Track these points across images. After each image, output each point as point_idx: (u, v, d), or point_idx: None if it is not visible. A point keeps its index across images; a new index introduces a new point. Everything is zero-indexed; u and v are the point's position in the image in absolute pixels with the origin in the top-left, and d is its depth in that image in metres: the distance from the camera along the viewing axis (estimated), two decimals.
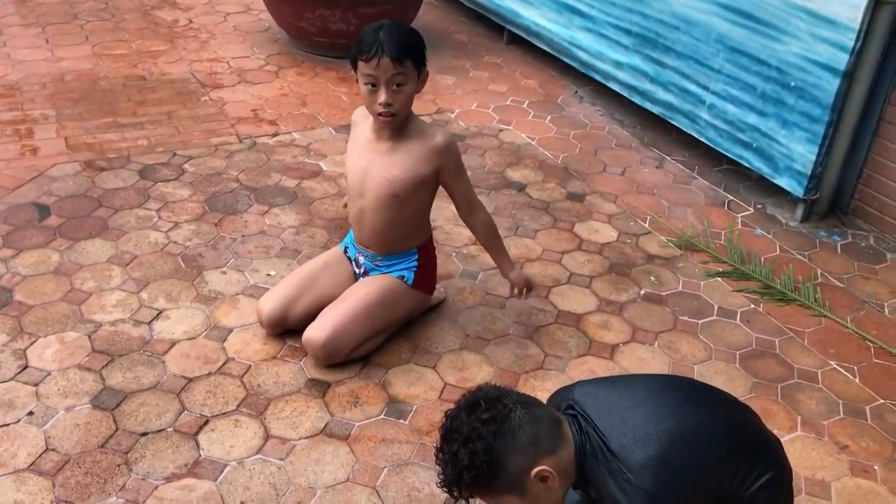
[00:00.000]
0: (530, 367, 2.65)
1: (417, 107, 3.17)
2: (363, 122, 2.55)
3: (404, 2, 4.89)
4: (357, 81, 2.39)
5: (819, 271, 3.25)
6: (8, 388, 2.40)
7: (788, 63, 3.40)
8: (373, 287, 2.59)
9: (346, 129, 2.70)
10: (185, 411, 2.37)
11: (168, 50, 4.87)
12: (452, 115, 4.35)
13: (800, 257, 3.34)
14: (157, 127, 3.96)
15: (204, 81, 4.49)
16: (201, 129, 3.98)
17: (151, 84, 4.41)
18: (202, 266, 3.00)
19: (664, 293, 3.06)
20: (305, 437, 2.31)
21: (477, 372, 2.60)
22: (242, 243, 3.14)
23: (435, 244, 2.82)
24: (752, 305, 3.02)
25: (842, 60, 3.20)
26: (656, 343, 2.80)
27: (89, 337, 2.62)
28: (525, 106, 4.53)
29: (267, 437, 2.30)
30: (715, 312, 2.97)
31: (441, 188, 2.60)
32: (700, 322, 2.91)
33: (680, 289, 3.09)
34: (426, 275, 2.68)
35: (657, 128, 4.29)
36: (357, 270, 2.72)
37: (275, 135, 3.99)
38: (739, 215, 3.62)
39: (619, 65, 4.32)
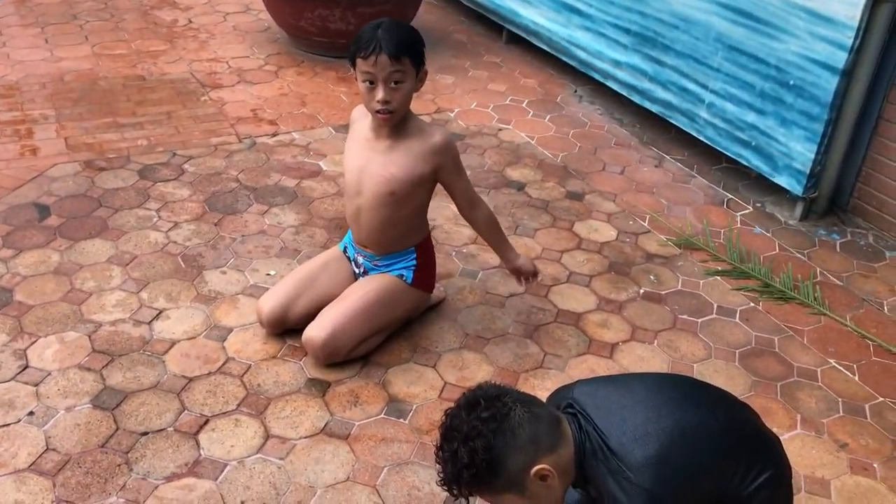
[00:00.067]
0: (530, 366, 2.65)
1: (417, 106, 3.17)
2: (362, 121, 2.55)
3: (403, 1, 4.89)
4: (356, 79, 2.39)
5: (818, 269, 3.25)
6: (8, 388, 2.40)
7: (787, 61, 3.41)
8: (372, 286, 2.59)
9: (346, 128, 2.70)
10: (186, 411, 2.37)
11: (167, 50, 4.87)
12: (452, 115, 4.35)
13: (799, 256, 3.35)
14: (157, 127, 3.97)
15: (203, 81, 4.49)
16: (201, 129, 3.98)
17: (151, 84, 4.42)
18: (202, 266, 3.00)
19: (663, 292, 3.06)
20: (305, 437, 2.32)
21: (477, 371, 2.60)
22: (242, 243, 3.15)
23: (434, 243, 2.83)
24: (752, 304, 3.03)
25: (841, 59, 3.20)
26: (656, 342, 2.80)
27: (89, 337, 2.62)
28: (524, 105, 4.53)
29: (267, 436, 2.31)
30: (714, 311, 2.97)
31: (439, 188, 2.61)
32: (699, 321, 2.92)
33: (679, 287, 3.09)
34: (425, 274, 2.68)
35: (656, 127, 4.29)
36: (356, 270, 2.72)
37: (274, 134, 3.99)
38: (738, 214, 3.62)
39: (618, 64, 4.32)
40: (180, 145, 3.81)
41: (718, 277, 3.16)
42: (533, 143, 4.12)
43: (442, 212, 3.39)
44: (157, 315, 2.74)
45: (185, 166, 3.64)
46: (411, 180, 2.48)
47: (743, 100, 3.65)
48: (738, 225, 3.53)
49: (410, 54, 2.33)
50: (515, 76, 4.90)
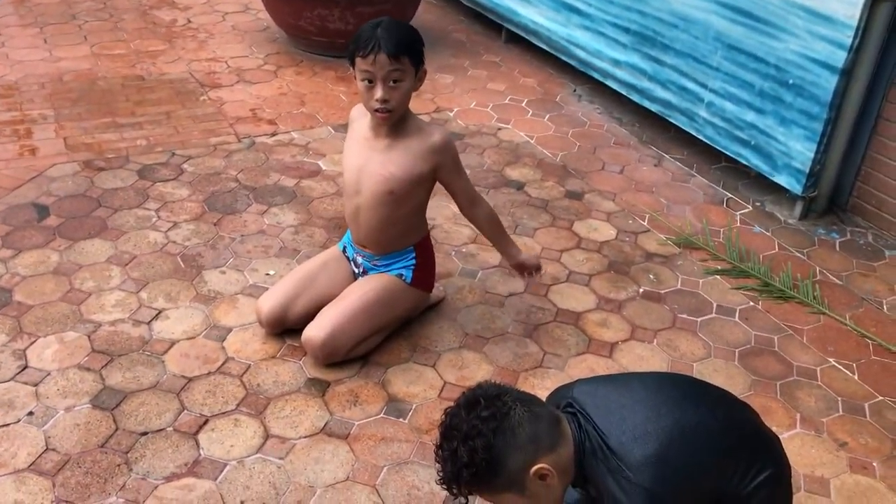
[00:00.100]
0: (529, 365, 2.65)
1: (416, 106, 3.17)
2: (361, 120, 2.55)
3: (402, 1, 4.89)
4: (355, 78, 2.39)
5: (818, 269, 3.25)
6: (8, 389, 2.40)
7: (787, 60, 3.41)
8: (371, 286, 2.59)
9: (345, 127, 2.70)
10: (185, 411, 2.37)
11: (166, 50, 4.87)
12: (451, 114, 4.35)
13: (798, 255, 3.35)
14: (156, 127, 3.96)
15: (202, 81, 4.49)
16: (200, 129, 3.98)
17: (150, 84, 4.41)
18: (201, 266, 3.00)
19: (663, 291, 3.06)
20: (305, 437, 2.32)
21: (476, 370, 2.60)
22: (241, 243, 3.15)
23: (434, 243, 2.83)
24: (751, 303, 3.03)
25: (840, 58, 3.20)
26: (655, 341, 2.80)
27: (89, 337, 2.62)
28: (523, 104, 4.53)
29: (267, 436, 2.31)
30: (714, 310, 2.97)
31: (438, 187, 2.61)
32: (699, 320, 2.92)
33: (679, 287, 3.09)
34: (424, 273, 2.68)
35: (656, 126, 4.29)
36: (356, 270, 2.72)
37: (273, 134, 3.99)
38: (738, 213, 3.62)
39: (617, 63, 4.32)
40: (179, 145, 3.81)
41: (718, 276, 3.16)
42: (532, 142, 4.12)
43: (441, 211, 3.39)
44: (157, 315, 2.74)
45: (185, 166, 3.64)
46: (410, 179, 2.47)
47: (742, 99, 3.65)
48: (738, 224, 3.53)
49: (409, 53, 2.33)
50: (515, 75, 4.90)
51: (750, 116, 3.63)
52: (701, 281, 3.13)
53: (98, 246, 3.06)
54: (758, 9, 3.48)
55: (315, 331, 2.50)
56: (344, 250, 2.76)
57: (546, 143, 4.11)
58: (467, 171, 2.64)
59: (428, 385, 2.53)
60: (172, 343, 2.62)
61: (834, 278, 3.21)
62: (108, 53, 4.74)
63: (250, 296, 2.85)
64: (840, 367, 2.74)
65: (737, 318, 2.94)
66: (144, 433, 2.28)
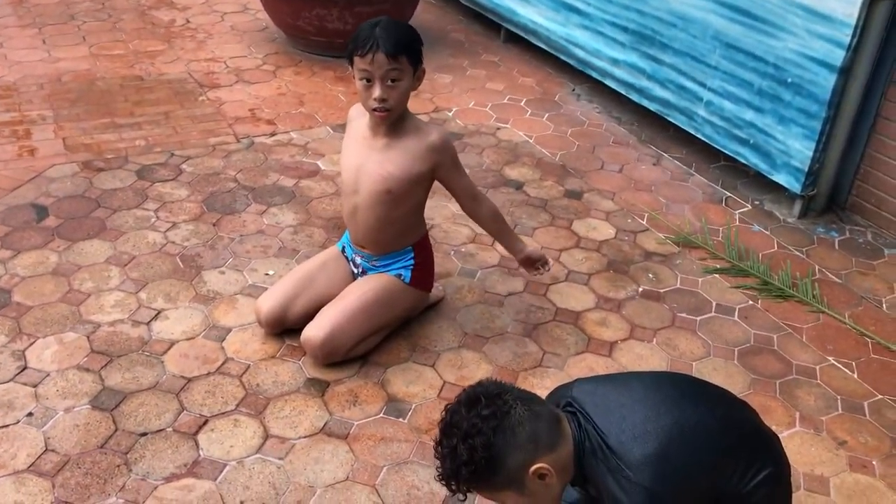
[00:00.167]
0: (529, 364, 2.65)
1: (415, 105, 3.17)
2: (359, 119, 2.56)
3: (401, 0, 4.89)
4: (353, 77, 2.39)
5: (817, 267, 3.25)
6: (7, 390, 2.40)
7: (785, 59, 3.41)
8: (371, 286, 2.59)
9: (344, 127, 2.70)
10: (185, 411, 2.37)
11: (165, 50, 4.87)
12: (450, 114, 4.35)
13: (797, 253, 3.35)
14: (155, 127, 3.96)
15: (201, 81, 4.49)
16: (199, 129, 3.98)
17: (149, 84, 4.41)
18: (200, 266, 3.00)
19: (662, 290, 3.06)
20: (305, 437, 2.32)
21: (476, 370, 2.60)
22: (241, 243, 3.15)
23: (433, 242, 2.83)
24: (750, 302, 3.03)
25: (838, 56, 3.20)
26: (655, 340, 2.80)
27: (88, 337, 2.62)
28: (522, 104, 4.53)
29: (266, 436, 2.31)
30: (713, 309, 2.98)
31: (436, 187, 2.61)
32: (698, 319, 2.92)
33: (678, 286, 3.09)
34: (423, 273, 2.68)
35: (654, 125, 4.29)
36: (355, 270, 2.72)
37: (272, 134, 3.99)
38: (737, 212, 3.62)
39: (616, 62, 4.32)
40: (178, 145, 3.81)
41: (717, 275, 3.16)
42: (531, 141, 4.12)
43: (440, 211, 3.39)
44: (156, 315, 2.74)
45: (184, 166, 3.64)
46: (408, 178, 2.48)
47: (741, 98, 3.65)
48: (737, 223, 3.53)
49: (408, 53, 2.33)
50: (513, 75, 4.90)
51: (749, 115, 3.63)
52: (700, 280, 3.13)
53: (97, 246, 3.06)
54: (756, 7, 3.48)
55: (314, 331, 2.50)
56: (343, 250, 2.76)
57: (545, 143, 4.11)
58: (466, 171, 2.64)
59: (427, 385, 2.53)
60: (172, 343, 2.62)
61: (833, 277, 3.21)
62: (107, 54, 4.74)
63: (249, 296, 2.85)
64: (839, 365, 2.74)
65: (736, 317, 2.94)
66: (144, 434, 2.28)
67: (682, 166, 3.97)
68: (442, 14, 5.84)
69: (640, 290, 3.05)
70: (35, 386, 2.42)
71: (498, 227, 2.67)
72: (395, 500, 2.15)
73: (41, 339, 2.60)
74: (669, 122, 4.13)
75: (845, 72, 3.24)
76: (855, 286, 3.16)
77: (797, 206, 3.58)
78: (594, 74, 4.52)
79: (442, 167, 2.50)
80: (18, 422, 2.30)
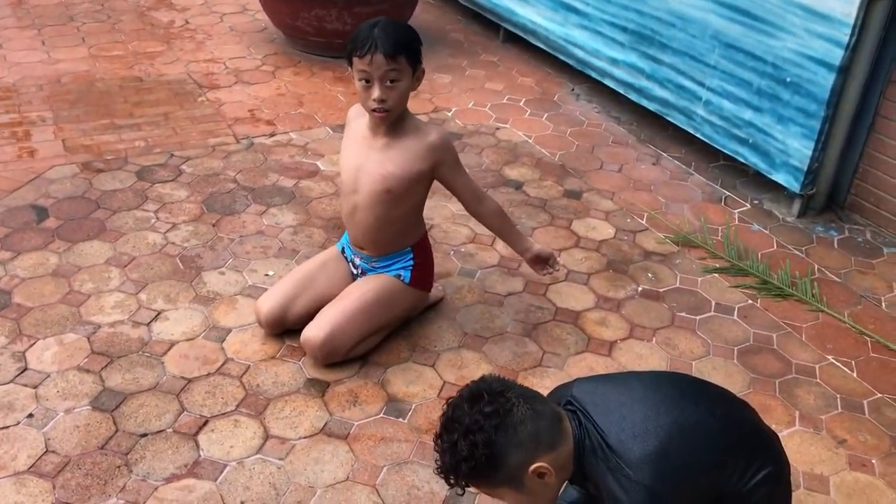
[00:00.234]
0: (529, 364, 2.65)
1: (414, 105, 3.17)
2: (358, 119, 2.56)
3: (400, 1, 4.89)
4: (353, 78, 2.39)
5: (816, 266, 3.26)
6: (7, 391, 2.40)
7: (784, 59, 3.41)
8: (370, 286, 2.59)
9: (343, 128, 2.70)
10: (185, 412, 2.37)
11: (164, 51, 4.87)
12: (449, 114, 4.35)
13: (797, 252, 3.35)
14: (155, 128, 3.96)
15: (201, 82, 4.49)
16: (198, 130, 3.98)
17: (148, 85, 4.41)
18: (200, 267, 3.00)
19: (662, 290, 3.06)
20: (305, 437, 2.32)
21: (476, 370, 2.60)
22: (240, 244, 3.15)
23: (433, 242, 2.83)
24: (750, 301, 3.03)
25: (837, 56, 3.21)
26: (654, 339, 2.80)
27: (88, 338, 2.62)
28: (522, 104, 4.53)
29: (266, 436, 2.31)
30: (712, 308, 2.98)
31: (436, 187, 2.61)
32: (698, 318, 2.92)
33: (677, 285, 3.10)
34: (423, 273, 2.68)
35: (654, 124, 4.29)
36: (354, 271, 2.72)
37: (272, 135, 3.99)
38: (736, 211, 3.62)
39: (615, 62, 4.32)
40: (178, 146, 3.81)
41: (716, 275, 3.17)
42: (530, 141, 4.12)
43: (440, 211, 3.39)
44: (156, 316, 2.74)
45: (183, 167, 3.64)
46: (408, 178, 2.48)
47: (740, 97, 3.66)
48: (736, 222, 3.53)
49: (407, 53, 2.33)
50: (513, 75, 4.90)
51: (748, 115, 3.64)
52: (699, 279, 3.13)
53: (97, 247, 3.06)
54: (755, 7, 3.48)
55: (314, 331, 2.50)
56: (342, 251, 2.76)
57: (544, 143, 4.11)
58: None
59: (427, 385, 2.54)
60: (172, 344, 2.62)
61: (832, 276, 3.21)
62: (106, 55, 4.74)
63: (249, 296, 2.85)
64: (839, 364, 2.75)
65: (735, 316, 2.94)
66: (144, 434, 2.29)
67: (681, 166, 3.97)
68: (441, 14, 5.84)
69: (640, 289, 3.05)
70: (35, 387, 2.42)
71: (502, 226, 2.66)
72: (395, 500, 2.15)
73: (41, 341, 2.60)
74: (668, 122, 4.13)
75: (844, 71, 3.24)
76: (854, 285, 3.16)
77: (796, 206, 3.58)
78: (593, 74, 4.52)
79: (443, 166, 2.50)
80: (19, 423, 2.30)
